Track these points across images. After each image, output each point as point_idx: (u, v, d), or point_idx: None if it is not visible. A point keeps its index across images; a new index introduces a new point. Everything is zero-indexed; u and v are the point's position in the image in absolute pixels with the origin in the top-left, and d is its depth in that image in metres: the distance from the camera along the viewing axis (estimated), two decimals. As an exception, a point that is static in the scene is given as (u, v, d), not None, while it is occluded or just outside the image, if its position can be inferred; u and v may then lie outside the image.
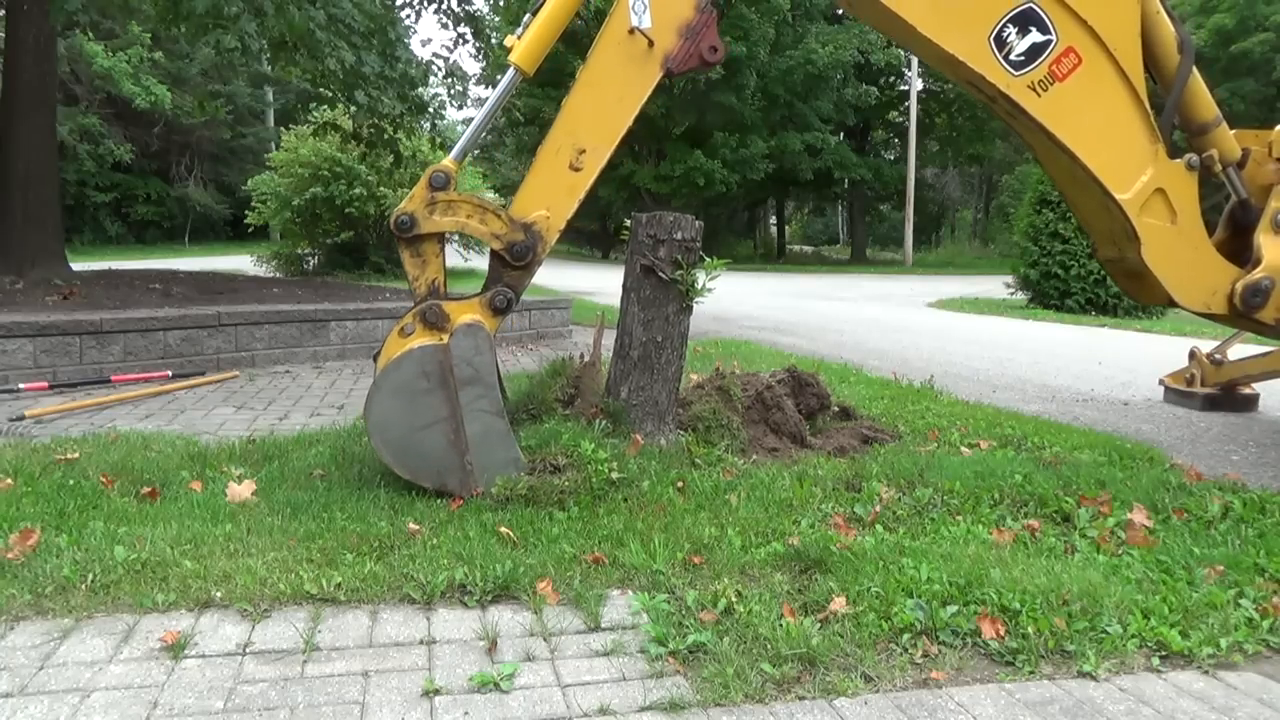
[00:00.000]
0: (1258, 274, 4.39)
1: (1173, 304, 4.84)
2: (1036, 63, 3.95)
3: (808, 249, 49.94)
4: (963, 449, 4.31)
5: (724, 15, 28.38)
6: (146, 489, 3.43)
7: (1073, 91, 4.01)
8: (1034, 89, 3.97)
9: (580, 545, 2.95)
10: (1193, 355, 6.14)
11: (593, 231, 40.42)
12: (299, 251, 17.83)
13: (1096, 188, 4.18)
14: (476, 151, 40.89)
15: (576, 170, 3.59)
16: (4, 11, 10.86)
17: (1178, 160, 4.25)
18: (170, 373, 6.13)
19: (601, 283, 17.39)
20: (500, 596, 2.62)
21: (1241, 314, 4.45)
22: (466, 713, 2.05)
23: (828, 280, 24.33)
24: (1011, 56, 3.93)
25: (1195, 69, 4.34)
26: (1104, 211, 4.34)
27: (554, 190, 3.59)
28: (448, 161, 3.54)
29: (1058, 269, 14.41)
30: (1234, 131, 4.53)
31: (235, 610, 2.50)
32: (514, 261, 3.54)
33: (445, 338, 3.41)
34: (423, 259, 3.52)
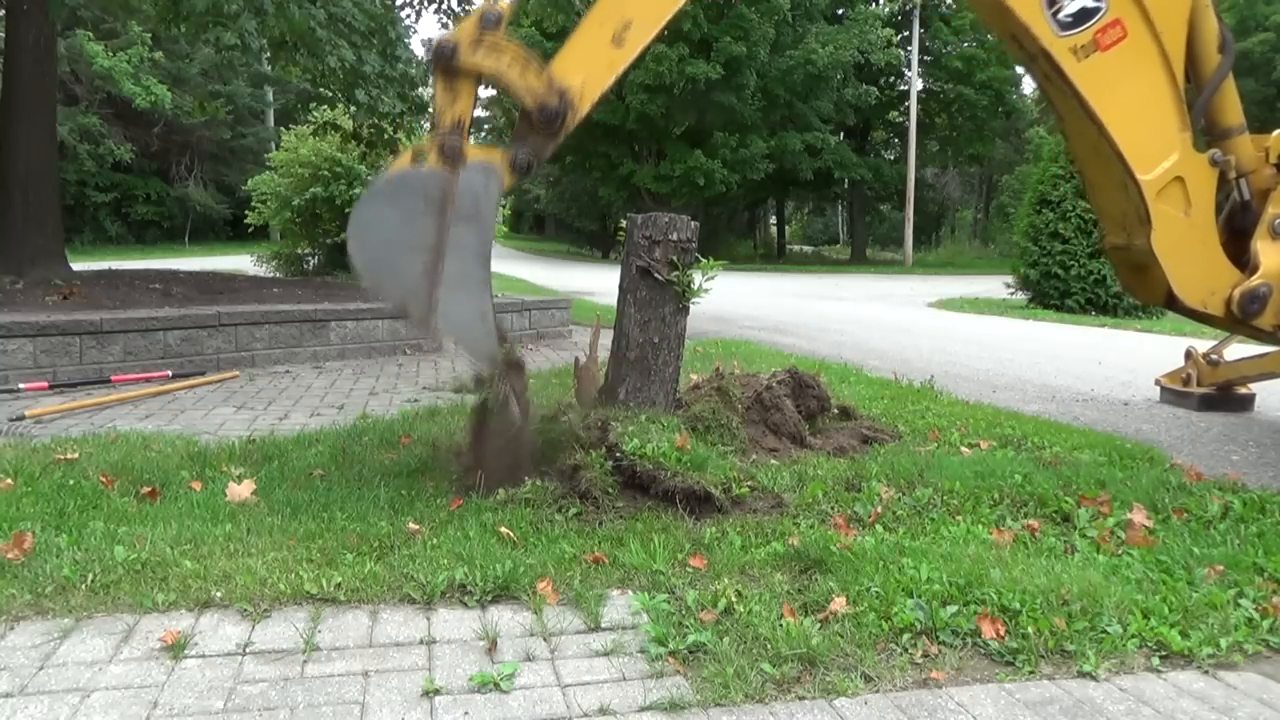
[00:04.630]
0: (1256, 280, 4.38)
1: (1170, 303, 4.83)
2: (1083, 27, 3.96)
3: (808, 249, 49.94)
4: (963, 449, 4.31)
5: (724, 15, 28.41)
6: (146, 489, 3.43)
7: (1113, 63, 4.02)
8: (1075, 53, 3.98)
9: (580, 545, 2.95)
10: (1189, 355, 6.14)
11: (593, 231, 40.44)
12: (299, 251, 17.82)
13: (1118, 165, 4.19)
14: (476, 151, 40.95)
15: (619, 45, 3.44)
16: (4, 11, 10.86)
17: (1202, 154, 4.26)
18: (170, 373, 6.13)
19: (601, 283, 17.40)
20: (500, 596, 2.62)
21: (1238, 319, 4.44)
22: (466, 713, 2.05)
23: (828, 280, 24.33)
24: (1060, 15, 3.93)
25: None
26: (1120, 192, 4.35)
27: (593, 61, 3.44)
28: (505, 1, 3.35)
29: (1058, 269, 14.41)
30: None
31: (235, 610, 2.50)
32: (542, 124, 3.37)
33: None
34: (454, 93, 3.31)
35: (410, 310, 3.28)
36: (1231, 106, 4.43)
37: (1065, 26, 3.95)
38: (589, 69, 3.43)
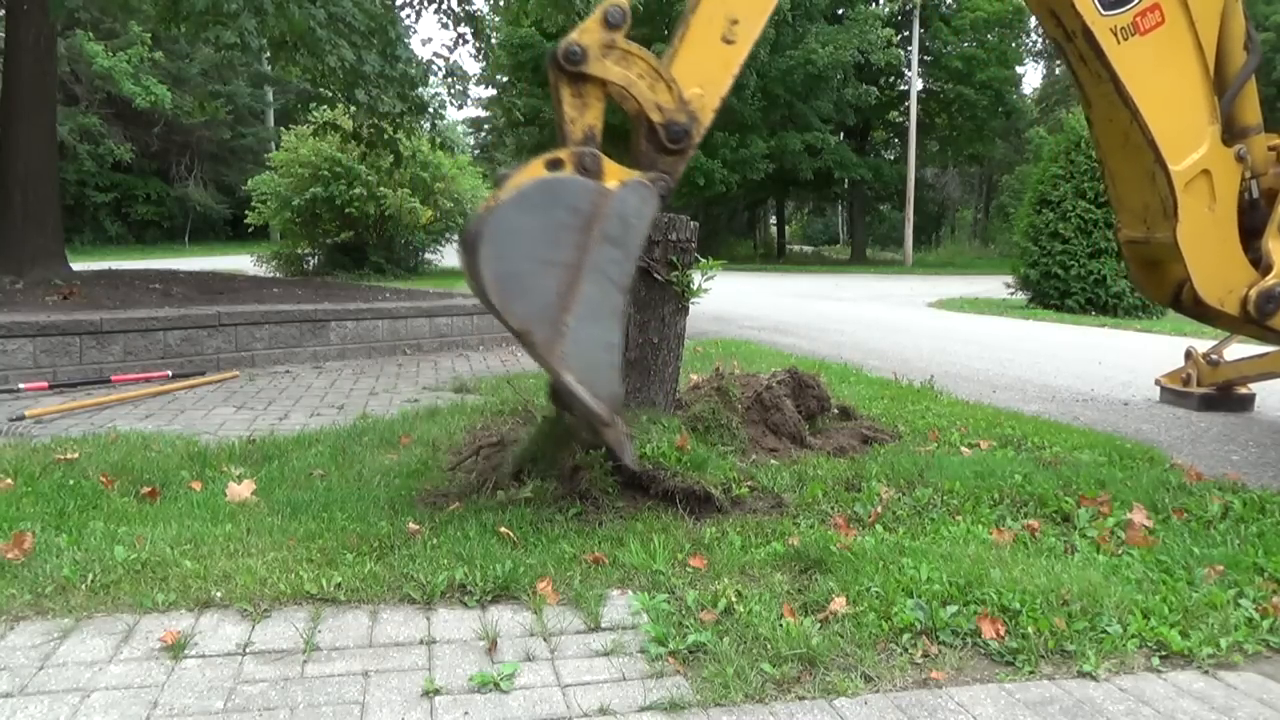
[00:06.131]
0: (1271, 280, 4.38)
1: (1175, 302, 4.83)
2: (1124, 8, 3.99)
3: (808, 249, 49.92)
4: (963, 449, 4.31)
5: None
6: (146, 489, 3.43)
7: (1150, 48, 4.05)
8: (1115, 34, 4.01)
9: (580, 545, 2.95)
10: (1189, 355, 6.14)
11: (593, 231, 40.31)
12: (299, 251, 17.85)
13: (1148, 154, 4.21)
14: (477, 151, 40.93)
15: (729, 43, 3.22)
16: (4, 11, 10.86)
17: (1229, 149, 4.28)
18: (170, 373, 6.13)
19: (601, 283, 17.35)
20: (500, 596, 2.62)
21: (1253, 319, 4.44)
22: (466, 713, 2.05)
23: (828, 280, 24.32)
24: None
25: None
26: (1147, 182, 4.36)
27: (708, 66, 3.21)
28: None
29: (1058, 269, 14.41)
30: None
31: (235, 610, 2.50)
32: (669, 143, 3.15)
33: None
34: (584, 101, 3.05)
35: (534, 335, 2.86)
36: (1250, 106, 4.45)
37: (1108, 5, 3.97)
38: (705, 75, 3.22)
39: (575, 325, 2.88)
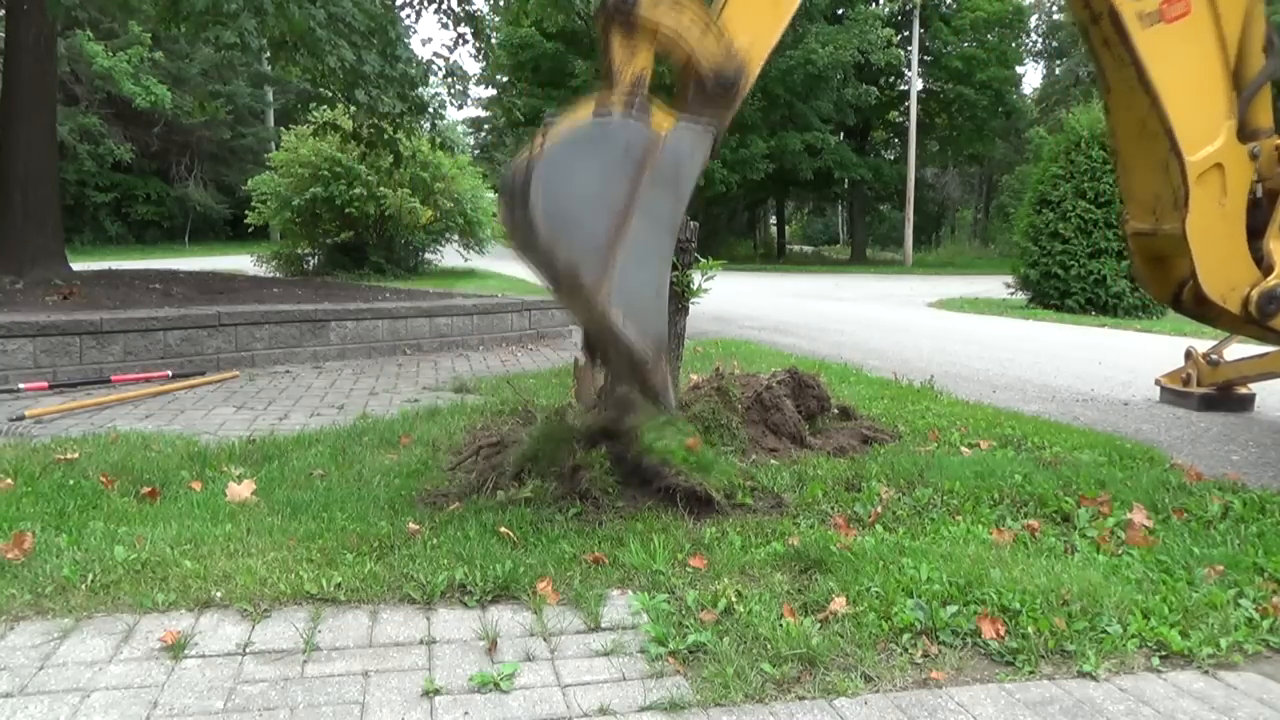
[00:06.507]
0: (1273, 280, 4.39)
1: (1176, 301, 4.83)
2: None
3: (808, 249, 49.93)
4: (963, 449, 4.31)
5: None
6: (146, 489, 3.43)
7: (1174, 37, 4.10)
8: (1141, 19, 4.07)
9: (580, 545, 2.94)
10: (1189, 355, 6.14)
11: (593, 231, 40.31)
12: (299, 251, 17.85)
13: (1163, 143, 4.24)
14: (477, 151, 40.93)
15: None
16: (4, 11, 10.86)
17: (1244, 145, 4.30)
18: (170, 373, 6.13)
19: (601, 283, 17.34)
20: (500, 596, 2.62)
21: (1254, 319, 4.45)
22: (466, 713, 2.05)
23: (828, 280, 24.33)
24: None
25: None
26: (1159, 173, 4.39)
27: (758, 17, 3.19)
28: None
29: (1058, 269, 14.41)
30: None
31: (235, 610, 2.50)
32: (718, 92, 3.12)
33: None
34: (632, 49, 3.00)
35: (581, 274, 2.80)
36: (1264, 109, 4.48)
37: None
38: (754, 27, 3.16)
39: (623, 266, 2.84)
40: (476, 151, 40.52)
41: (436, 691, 2.13)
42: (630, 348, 2.92)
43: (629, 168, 2.88)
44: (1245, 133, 4.48)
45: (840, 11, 33.68)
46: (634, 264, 2.88)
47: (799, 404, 4.55)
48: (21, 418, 4.74)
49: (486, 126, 45.23)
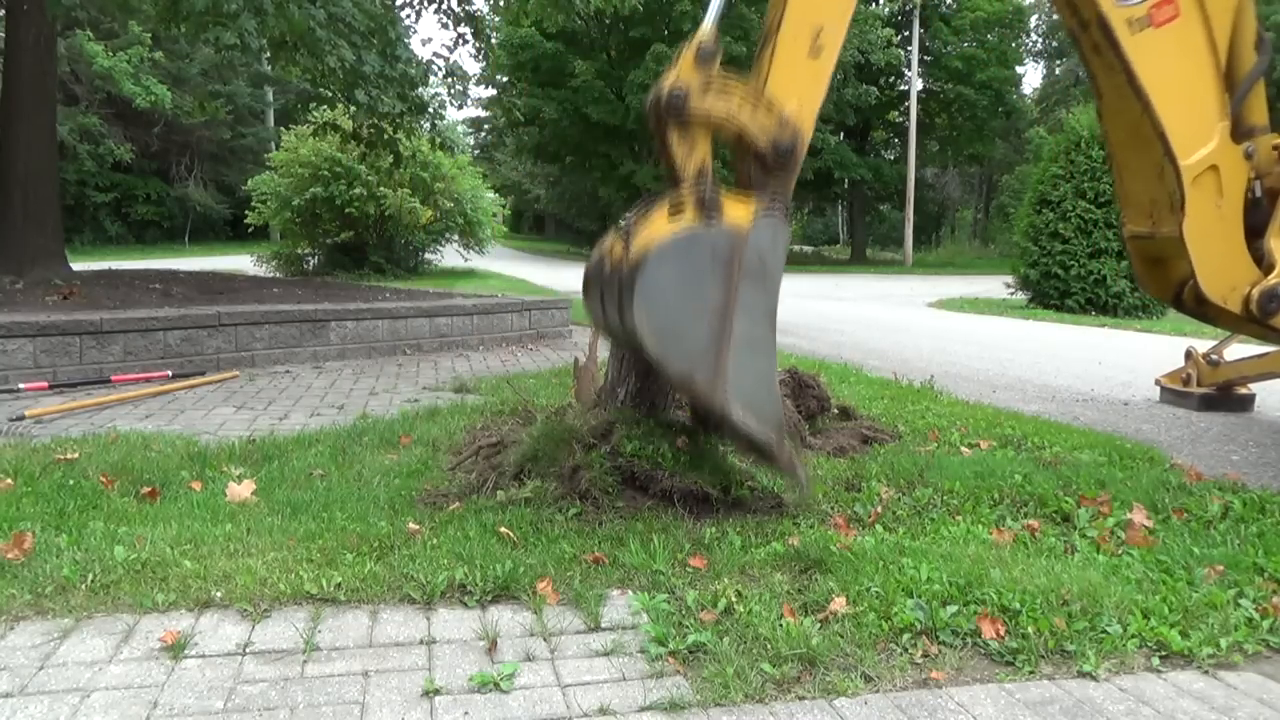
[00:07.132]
0: (1273, 279, 4.39)
1: (1177, 301, 4.83)
2: (1140, 0, 4.03)
3: (808, 249, 49.92)
4: (963, 449, 4.31)
5: (724, 16, 28.37)
6: (146, 489, 3.43)
7: (1164, 41, 4.09)
8: (1130, 25, 4.05)
9: (580, 545, 2.95)
10: (1189, 355, 6.14)
11: (593, 231, 40.39)
12: (299, 251, 17.87)
13: (1157, 148, 4.24)
14: (477, 151, 40.94)
15: (816, 55, 3.25)
16: (4, 11, 10.86)
17: (1238, 146, 4.30)
18: (170, 373, 6.13)
19: (601, 283, 17.35)
20: (500, 596, 2.62)
21: (1255, 318, 4.45)
22: (466, 713, 2.05)
23: (827, 280, 24.33)
24: None
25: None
26: (1154, 177, 4.39)
27: (800, 80, 3.24)
28: (708, 28, 3.11)
29: (1058, 269, 14.41)
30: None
31: (235, 610, 2.50)
32: (777, 162, 3.17)
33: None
34: (691, 142, 3.10)
35: (696, 378, 3.00)
36: (1258, 107, 4.47)
37: None
38: (800, 90, 3.24)
39: (734, 364, 3.01)
40: (476, 151, 40.55)
41: (436, 691, 2.13)
42: (752, 437, 3.09)
43: (719, 270, 3.01)
44: (1240, 131, 4.48)
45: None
46: (743, 360, 3.03)
47: (799, 404, 4.55)
48: (21, 418, 4.74)
49: (486, 126, 45.26)
